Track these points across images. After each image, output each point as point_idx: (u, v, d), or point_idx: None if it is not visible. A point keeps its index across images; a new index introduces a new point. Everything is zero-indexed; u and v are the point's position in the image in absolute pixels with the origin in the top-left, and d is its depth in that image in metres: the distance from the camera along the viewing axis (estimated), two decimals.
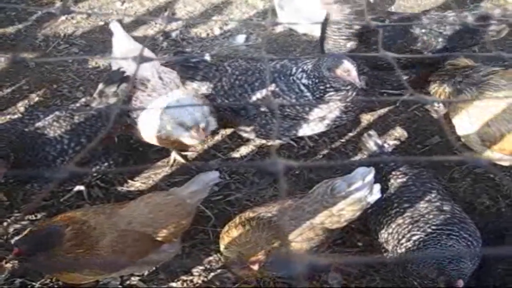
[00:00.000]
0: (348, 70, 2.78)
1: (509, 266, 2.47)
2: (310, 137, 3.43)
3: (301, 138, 3.41)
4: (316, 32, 4.21)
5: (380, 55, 1.51)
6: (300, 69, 3.00)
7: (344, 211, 2.52)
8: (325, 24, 3.32)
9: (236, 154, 3.41)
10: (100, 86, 2.94)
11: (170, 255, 2.67)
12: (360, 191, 2.51)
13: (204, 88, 3.20)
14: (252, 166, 3.31)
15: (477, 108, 2.90)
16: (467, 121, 2.93)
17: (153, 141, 3.02)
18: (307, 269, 0.83)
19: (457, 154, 3.21)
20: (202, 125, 2.82)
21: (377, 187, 2.56)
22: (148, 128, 2.94)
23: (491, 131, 2.85)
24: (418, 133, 3.56)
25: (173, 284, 2.76)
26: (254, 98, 3.09)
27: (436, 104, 3.70)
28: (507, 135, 2.81)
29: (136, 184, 3.24)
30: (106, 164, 2.94)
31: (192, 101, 2.94)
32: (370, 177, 2.54)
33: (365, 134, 3.01)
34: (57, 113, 2.82)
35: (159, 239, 2.52)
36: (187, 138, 2.87)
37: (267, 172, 3.26)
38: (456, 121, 3.00)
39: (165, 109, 2.85)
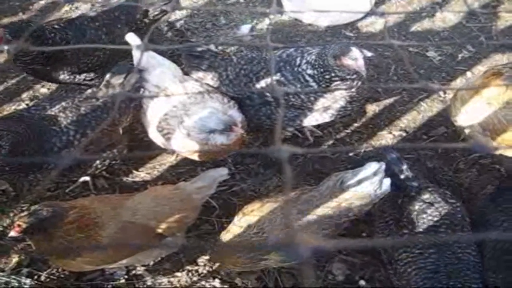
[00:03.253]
0: (355, 58, 2.76)
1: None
2: (312, 132, 3.42)
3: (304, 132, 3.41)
4: (322, 22, 4.20)
5: (385, 43, 1.52)
6: (304, 60, 2.98)
7: (352, 205, 2.51)
8: None
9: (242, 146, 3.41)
10: (107, 77, 2.94)
11: (173, 248, 2.69)
12: (370, 185, 2.49)
13: (209, 77, 3.19)
14: (257, 153, 3.31)
15: (480, 104, 2.89)
16: (468, 111, 2.93)
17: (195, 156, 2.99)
18: (312, 254, 0.83)
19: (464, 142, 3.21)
20: (229, 121, 2.79)
21: (386, 181, 2.54)
22: (185, 145, 2.92)
23: (491, 121, 2.84)
24: (423, 123, 3.54)
25: (179, 274, 2.78)
26: (259, 87, 3.08)
27: (441, 94, 3.68)
28: (508, 124, 2.80)
29: (141, 174, 3.25)
30: (111, 155, 2.95)
31: (206, 108, 2.88)
32: (380, 171, 2.51)
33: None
34: (63, 104, 2.82)
35: (161, 232, 2.53)
36: (226, 139, 2.82)
37: (271, 161, 3.26)
38: (459, 111, 2.99)
39: (191, 126, 2.83)
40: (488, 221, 2.64)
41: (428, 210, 2.59)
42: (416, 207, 2.61)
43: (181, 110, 2.89)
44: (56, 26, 3.10)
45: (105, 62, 3.27)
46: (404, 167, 2.74)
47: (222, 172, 2.72)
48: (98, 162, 2.90)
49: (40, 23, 3.19)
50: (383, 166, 2.52)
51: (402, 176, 2.72)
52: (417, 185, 2.69)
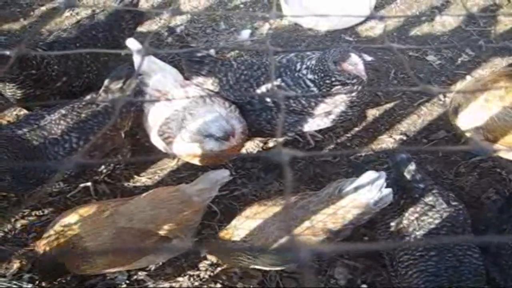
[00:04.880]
0: (355, 63, 2.77)
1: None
2: (313, 136, 3.43)
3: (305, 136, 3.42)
4: (321, 26, 4.21)
5: (385, 46, 1.53)
6: (304, 65, 3.00)
7: (349, 214, 2.49)
8: None
9: (241, 150, 3.41)
10: (106, 82, 2.94)
11: (179, 250, 2.68)
12: (367, 194, 2.46)
13: (210, 82, 3.20)
14: (257, 156, 3.31)
15: (478, 102, 2.91)
16: (469, 115, 2.94)
17: (192, 159, 3.02)
18: (311, 256, 0.83)
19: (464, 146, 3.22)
20: (229, 130, 2.78)
21: (387, 191, 2.51)
22: (184, 149, 2.93)
23: (490, 124, 2.86)
24: (423, 127, 3.54)
25: (180, 279, 2.77)
26: (259, 92, 3.09)
27: (441, 97, 3.69)
28: (506, 128, 2.82)
29: (142, 179, 3.25)
30: (116, 159, 2.95)
31: (212, 111, 2.88)
32: (380, 181, 2.47)
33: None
34: (62, 111, 2.81)
35: (164, 235, 2.52)
36: (218, 147, 2.83)
37: (272, 166, 3.27)
38: (460, 115, 3.01)
39: (191, 127, 2.84)
40: (504, 232, 2.62)
41: (429, 212, 2.58)
42: (418, 209, 2.60)
43: (183, 112, 2.91)
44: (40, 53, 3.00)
45: (93, 82, 3.25)
46: (413, 167, 2.70)
47: (223, 174, 2.71)
48: (103, 167, 2.90)
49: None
50: (383, 175, 2.48)
51: (409, 177, 2.68)
52: (423, 187, 2.66)
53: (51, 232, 2.45)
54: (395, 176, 2.71)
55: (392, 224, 2.63)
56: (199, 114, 2.86)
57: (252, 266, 2.62)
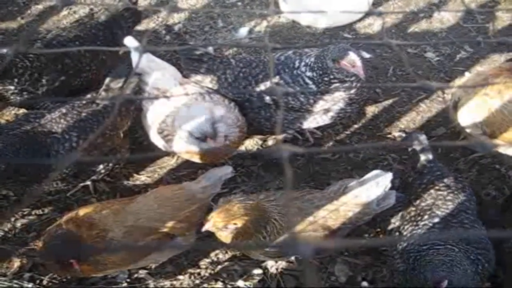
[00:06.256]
0: (353, 61, 2.77)
1: None
2: (312, 133, 3.43)
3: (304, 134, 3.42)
4: (320, 24, 4.21)
5: (383, 42, 1.53)
6: (303, 63, 2.99)
7: (350, 212, 2.50)
8: None
9: (240, 148, 3.41)
10: (106, 81, 2.94)
11: (185, 247, 2.71)
12: (371, 192, 2.47)
13: (208, 80, 3.20)
14: (257, 154, 3.31)
15: (478, 98, 2.92)
16: (468, 111, 2.95)
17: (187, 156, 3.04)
18: (313, 253, 0.83)
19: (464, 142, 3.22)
20: (208, 133, 2.77)
21: (391, 194, 2.52)
22: (183, 146, 2.95)
23: (488, 118, 2.87)
24: (423, 124, 3.55)
25: (181, 277, 2.78)
26: (258, 90, 3.08)
27: (440, 94, 3.69)
28: (504, 122, 2.84)
29: (142, 178, 3.24)
30: (114, 159, 2.95)
31: (201, 110, 2.88)
32: (385, 180, 2.47)
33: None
34: (63, 110, 2.80)
35: (170, 232, 2.53)
36: (200, 149, 2.83)
37: (272, 164, 3.26)
38: (459, 111, 3.02)
39: (179, 123, 2.85)
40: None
41: (436, 181, 2.59)
42: (424, 181, 2.62)
43: (182, 109, 2.91)
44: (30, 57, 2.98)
45: (92, 81, 3.26)
46: (426, 144, 2.73)
47: (226, 171, 2.74)
48: (101, 166, 2.89)
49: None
50: (389, 175, 2.48)
51: (423, 158, 2.72)
52: (432, 166, 2.69)
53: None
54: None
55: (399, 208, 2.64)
56: (190, 111, 2.87)
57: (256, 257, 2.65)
